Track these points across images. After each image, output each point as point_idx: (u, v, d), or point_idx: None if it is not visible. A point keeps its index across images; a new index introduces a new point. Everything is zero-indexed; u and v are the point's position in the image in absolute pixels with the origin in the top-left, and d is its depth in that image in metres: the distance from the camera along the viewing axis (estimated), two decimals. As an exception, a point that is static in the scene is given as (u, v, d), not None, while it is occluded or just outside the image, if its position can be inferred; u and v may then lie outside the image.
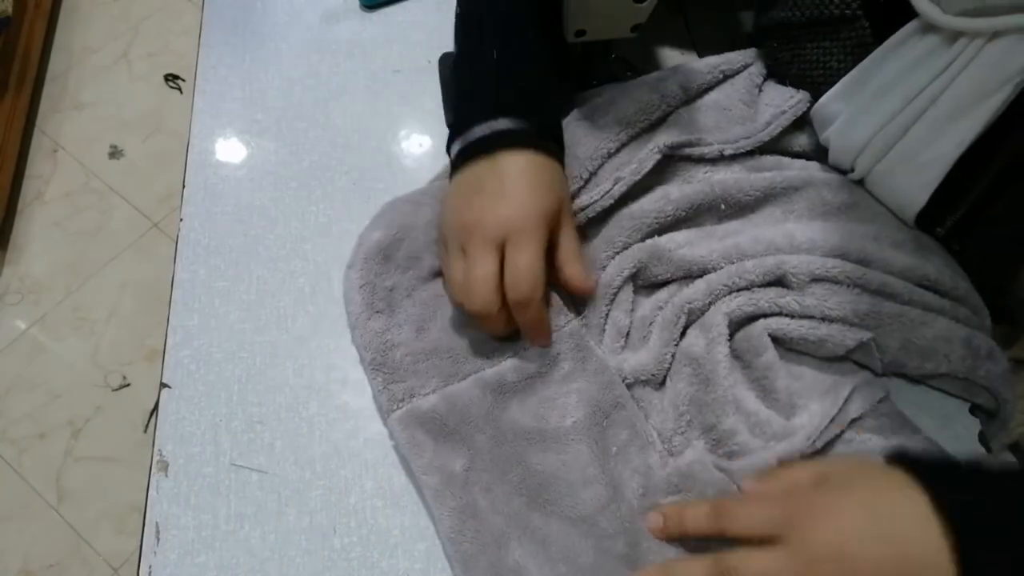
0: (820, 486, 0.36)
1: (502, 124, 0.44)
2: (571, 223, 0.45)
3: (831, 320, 0.43)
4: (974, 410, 0.45)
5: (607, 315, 0.46)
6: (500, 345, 0.46)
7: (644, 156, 0.47)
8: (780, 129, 0.49)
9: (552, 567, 0.40)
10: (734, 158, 0.49)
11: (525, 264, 0.41)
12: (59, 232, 1.51)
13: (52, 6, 1.73)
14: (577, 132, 0.49)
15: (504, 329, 0.44)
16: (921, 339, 0.43)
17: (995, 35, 0.37)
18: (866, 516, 0.33)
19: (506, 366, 0.45)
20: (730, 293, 0.45)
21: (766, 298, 0.44)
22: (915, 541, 0.31)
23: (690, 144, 0.48)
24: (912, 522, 0.31)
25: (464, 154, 0.46)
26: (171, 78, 1.69)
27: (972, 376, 0.43)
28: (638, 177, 0.47)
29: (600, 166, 0.48)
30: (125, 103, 1.66)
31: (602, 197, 0.47)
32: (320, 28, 0.62)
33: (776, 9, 0.49)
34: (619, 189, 0.47)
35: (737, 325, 0.45)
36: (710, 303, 0.45)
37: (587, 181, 0.48)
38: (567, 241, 0.45)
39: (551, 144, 0.45)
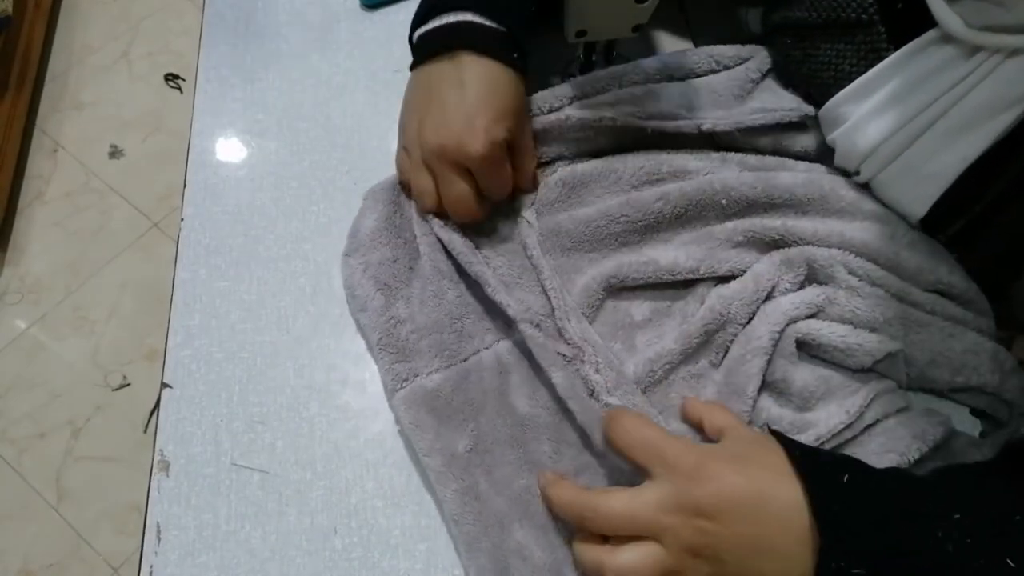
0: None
1: (468, 17, 0.45)
2: (527, 129, 0.48)
3: (859, 325, 0.42)
4: (975, 412, 0.45)
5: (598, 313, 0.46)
6: (507, 323, 0.45)
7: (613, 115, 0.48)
8: (764, 121, 0.48)
9: (552, 551, 0.40)
10: (734, 159, 0.49)
11: (499, 185, 0.46)
12: (59, 232, 1.51)
13: (52, 6, 1.73)
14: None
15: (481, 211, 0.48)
16: (951, 352, 0.42)
17: (1015, 52, 0.37)
18: (742, 480, 0.34)
19: (513, 344, 0.44)
20: (757, 297, 0.44)
21: (798, 300, 0.44)
22: (777, 496, 0.33)
23: (662, 116, 0.48)
24: (777, 477, 0.34)
25: (425, 43, 0.46)
26: (171, 78, 1.68)
27: (1000, 391, 0.42)
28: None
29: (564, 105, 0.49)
30: (125, 103, 1.66)
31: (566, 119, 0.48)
32: (320, 28, 0.62)
33: (791, 8, 0.48)
34: (575, 113, 0.48)
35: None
36: (749, 310, 0.45)
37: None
38: (524, 140, 0.48)
39: (514, 53, 0.45)
